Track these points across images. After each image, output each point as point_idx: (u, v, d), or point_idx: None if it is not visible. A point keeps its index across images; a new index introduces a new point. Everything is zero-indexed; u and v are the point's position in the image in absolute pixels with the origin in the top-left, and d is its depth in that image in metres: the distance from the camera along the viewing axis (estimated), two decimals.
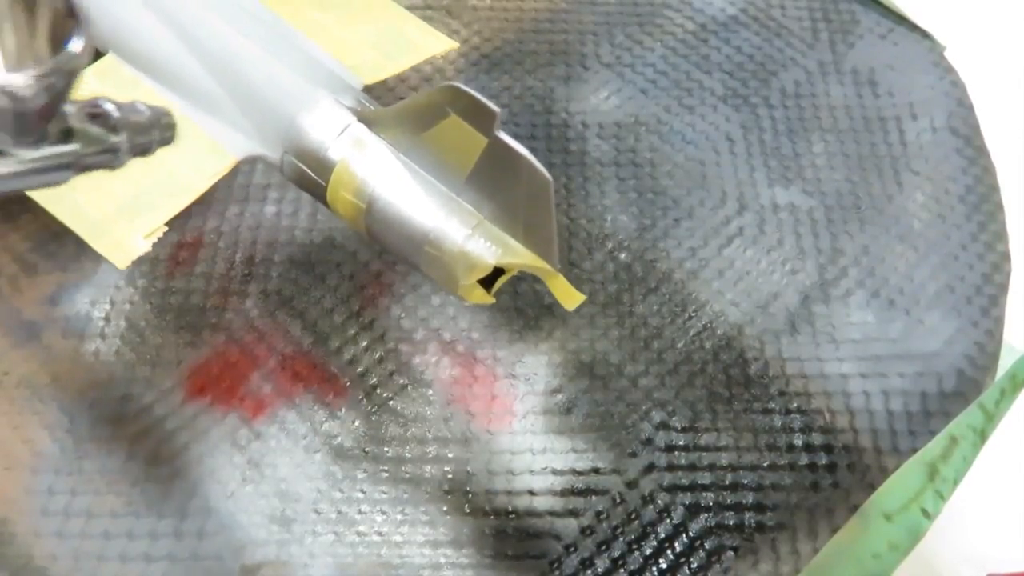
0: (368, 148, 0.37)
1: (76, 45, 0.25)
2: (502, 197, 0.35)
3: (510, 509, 0.40)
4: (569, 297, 0.38)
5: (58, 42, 0.25)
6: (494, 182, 0.34)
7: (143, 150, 0.33)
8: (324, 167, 0.38)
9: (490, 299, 0.37)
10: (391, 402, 0.42)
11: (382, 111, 0.38)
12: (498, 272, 0.36)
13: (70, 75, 0.26)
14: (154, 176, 0.35)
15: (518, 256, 0.35)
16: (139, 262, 0.45)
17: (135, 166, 0.33)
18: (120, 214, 0.38)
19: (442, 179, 0.36)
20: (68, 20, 0.25)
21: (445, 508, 0.40)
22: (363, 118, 0.38)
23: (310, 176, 0.38)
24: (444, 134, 0.35)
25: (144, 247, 0.37)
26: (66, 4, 0.25)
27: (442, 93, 0.34)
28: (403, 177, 0.36)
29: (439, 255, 0.35)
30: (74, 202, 0.38)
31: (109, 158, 0.31)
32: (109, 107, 0.31)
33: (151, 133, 0.33)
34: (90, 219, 0.38)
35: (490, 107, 0.32)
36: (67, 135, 0.28)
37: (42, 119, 0.26)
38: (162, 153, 0.35)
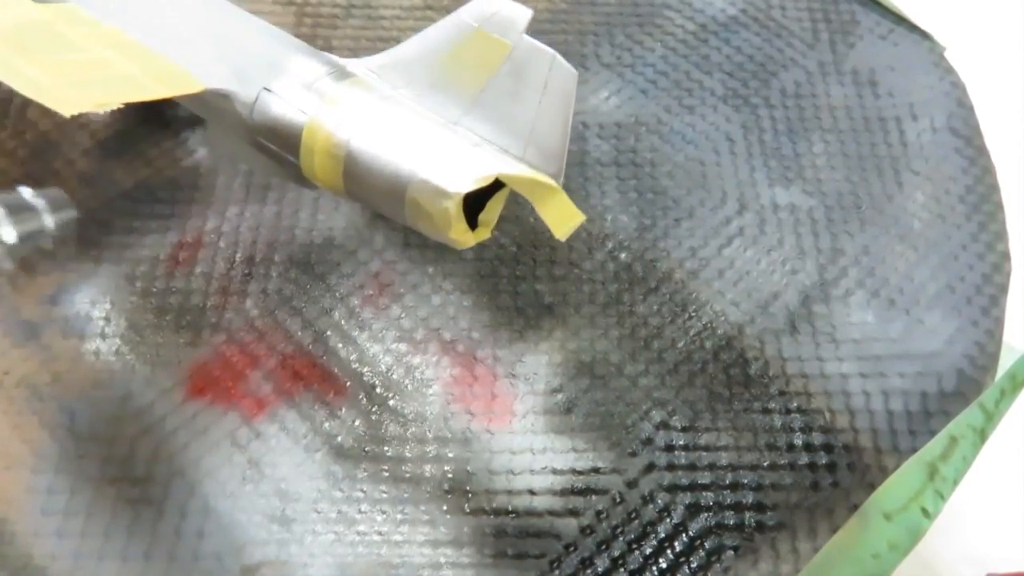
0: (356, 79, 0.38)
1: None
2: (511, 113, 0.35)
3: (510, 508, 0.40)
4: (568, 217, 0.38)
5: None
6: (504, 98, 0.35)
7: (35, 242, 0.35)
8: (306, 104, 0.38)
9: (484, 234, 0.37)
10: (391, 401, 0.42)
11: (390, 51, 0.39)
12: (481, 206, 0.37)
13: None
14: (117, 70, 0.35)
15: (518, 170, 0.36)
16: (139, 262, 0.45)
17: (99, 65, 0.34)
18: (74, 84, 0.37)
19: (447, 105, 0.37)
20: None
21: (445, 507, 0.40)
22: (353, 66, 0.39)
23: (285, 121, 0.38)
24: (461, 54, 0.35)
25: (94, 109, 0.35)
26: None
27: (468, 10, 0.35)
28: (392, 109, 0.37)
29: (429, 179, 0.36)
30: (31, 75, 0.37)
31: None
32: None
33: (39, 221, 0.34)
34: (43, 85, 0.36)
35: (521, 8, 0.33)
36: None
37: None
38: (128, 64, 0.35)
